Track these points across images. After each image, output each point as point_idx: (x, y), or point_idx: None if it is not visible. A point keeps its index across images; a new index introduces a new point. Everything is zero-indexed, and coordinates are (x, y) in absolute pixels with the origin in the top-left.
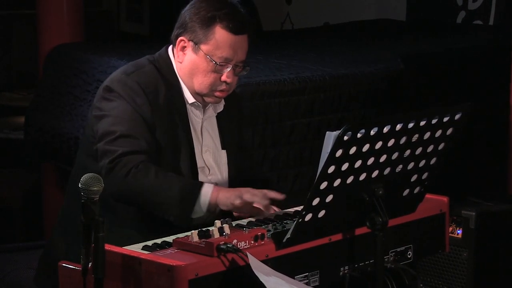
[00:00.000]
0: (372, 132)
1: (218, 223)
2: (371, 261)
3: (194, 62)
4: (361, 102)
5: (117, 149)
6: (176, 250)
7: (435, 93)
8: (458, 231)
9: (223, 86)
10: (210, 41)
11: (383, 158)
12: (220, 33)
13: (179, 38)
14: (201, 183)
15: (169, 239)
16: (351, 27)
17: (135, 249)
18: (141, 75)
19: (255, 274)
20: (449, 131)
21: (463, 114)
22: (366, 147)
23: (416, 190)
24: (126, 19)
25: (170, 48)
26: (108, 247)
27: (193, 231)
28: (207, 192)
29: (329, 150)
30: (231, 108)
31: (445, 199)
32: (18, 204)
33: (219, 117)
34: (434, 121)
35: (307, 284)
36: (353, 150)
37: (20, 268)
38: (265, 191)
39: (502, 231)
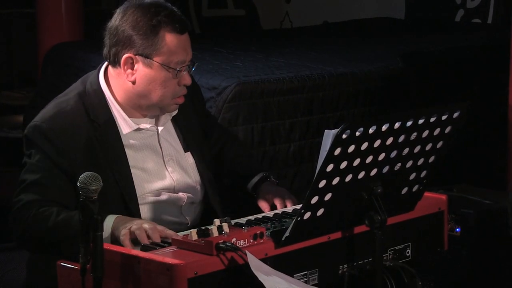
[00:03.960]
0: (370, 131)
1: (217, 221)
2: (370, 260)
3: (150, 77)
4: (360, 101)
5: (22, 198)
6: (175, 249)
7: (434, 91)
8: (457, 229)
9: (183, 91)
10: (162, 49)
11: (381, 156)
12: (169, 38)
13: (125, 57)
14: (104, 217)
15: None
16: (350, 26)
17: (134, 248)
18: (58, 120)
19: (254, 273)
20: (447, 130)
21: (462, 113)
22: (364, 146)
23: (415, 188)
24: None
25: (101, 73)
26: (106, 246)
27: (192, 229)
28: (108, 223)
29: (327, 149)
30: (184, 104)
31: (443, 197)
32: None
33: (175, 119)
34: (432, 120)
35: (306, 282)
36: (351, 148)
37: (19, 267)
38: (160, 229)
39: (501, 229)
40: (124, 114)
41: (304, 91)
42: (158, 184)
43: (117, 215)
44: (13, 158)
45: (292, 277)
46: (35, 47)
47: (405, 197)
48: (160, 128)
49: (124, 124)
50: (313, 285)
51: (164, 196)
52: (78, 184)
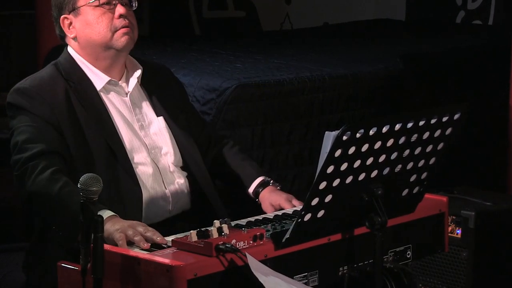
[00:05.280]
0: (371, 132)
1: (217, 223)
2: (370, 261)
3: (83, 22)
4: (360, 102)
5: (21, 156)
6: (175, 250)
7: (434, 93)
8: (458, 231)
9: (122, 22)
10: None
11: (382, 158)
12: None
13: (61, 19)
14: (99, 209)
15: (168, 239)
16: (350, 27)
17: (134, 249)
18: (35, 79)
19: (254, 275)
20: (448, 131)
21: (462, 114)
22: (365, 147)
23: (415, 190)
24: None
25: (69, 46)
26: (107, 247)
27: (192, 231)
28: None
29: (328, 150)
30: (158, 76)
31: (444, 199)
32: (18, 204)
33: (145, 86)
34: (433, 121)
35: (306, 284)
36: (352, 150)
37: (20, 268)
38: (151, 234)
39: (502, 231)
40: (95, 69)
41: (304, 93)
42: (134, 146)
43: (110, 215)
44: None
45: (292, 278)
46: (34, 49)
47: (406, 198)
48: (129, 89)
49: (96, 78)
50: (313, 286)
51: (142, 160)
52: (78, 185)
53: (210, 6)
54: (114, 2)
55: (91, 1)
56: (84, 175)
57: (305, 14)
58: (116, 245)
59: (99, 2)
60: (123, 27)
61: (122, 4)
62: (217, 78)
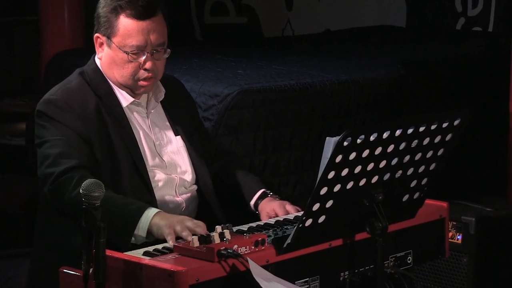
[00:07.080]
0: (371, 138)
1: (219, 228)
2: (371, 266)
3: (110, 56)
4: (361, 108)
5: (54, 170)
6: (177, 256)
7: (435, 99)
8: (458, 237)
9: (146, 74)
10: (118, 32)
11: (382, 163)
12: (125, 23)
13: (95, 36)
14: (145, 208)
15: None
16: (351, 34)
17: (136, 254)
18: (66, 92)
19: (255, 280)
20: (448, 137)
21: (462, 120)
22: (365, 153)
23: (416, 195)
24: None
25: (98, 55)
26: (109, 252)
27: (193, 236)
28: (147, 218)
29: (329, 156)
30: (175, 93)
31: (444, 204)
32: (21, 210)
33: (165, 105)
34: (433, 127)
35: None
36: (353, 155)
37: (22, 274)
38: (195, 227)
39: (502, 237)
40: (119, 88)
41: (305, 99)
42: (154, 164)
43: (157, 210)
44: (16, 165)
45: (294, 283)
46: (37, 54)
47: (406, 204)
48: (150, 110)
49: (122, 97)
50: None
51: (159, 175)
52: (80, 191)
53: (212, 12)
54: (145, 51)
55: (122, 48)
56: (86, 180)
57: (307, 20)
58: (164, 239)
59: (128, 54)
60: (145, 79)
61: (152, 55)
62: (219, 84)
